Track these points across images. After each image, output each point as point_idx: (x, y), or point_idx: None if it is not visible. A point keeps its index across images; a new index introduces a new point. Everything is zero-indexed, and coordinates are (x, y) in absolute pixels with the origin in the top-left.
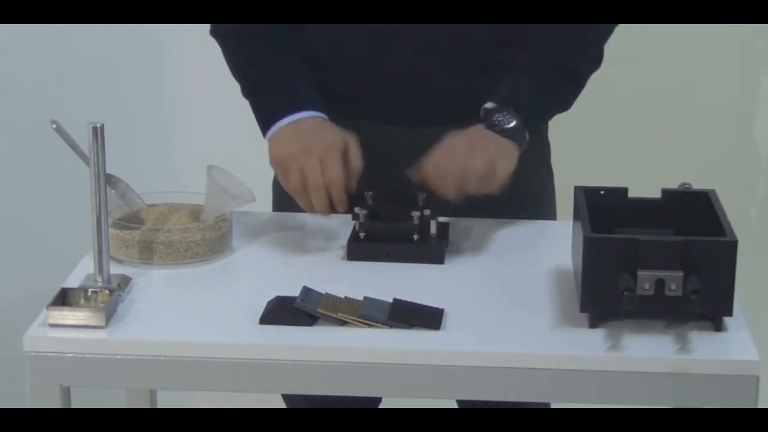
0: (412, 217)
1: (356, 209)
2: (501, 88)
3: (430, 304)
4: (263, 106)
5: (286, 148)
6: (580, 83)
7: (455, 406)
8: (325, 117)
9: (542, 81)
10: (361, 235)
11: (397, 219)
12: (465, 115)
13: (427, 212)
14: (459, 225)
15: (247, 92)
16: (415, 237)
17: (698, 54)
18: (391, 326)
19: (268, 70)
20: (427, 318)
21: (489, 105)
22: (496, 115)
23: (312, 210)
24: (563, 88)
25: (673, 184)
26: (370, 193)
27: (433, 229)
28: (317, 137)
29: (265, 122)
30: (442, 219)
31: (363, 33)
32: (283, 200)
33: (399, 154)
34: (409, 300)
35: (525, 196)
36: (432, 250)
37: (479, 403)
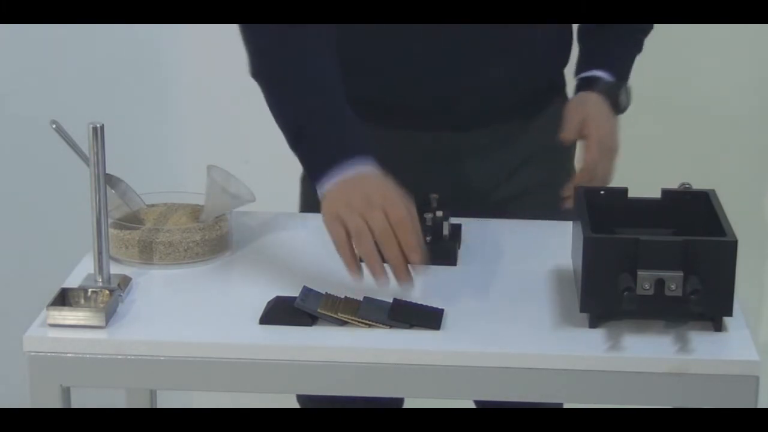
0: (425, 218)
1: None
2: (605, 55)
3: (435, 305)
4: (313, 157)
5: (343, 201)
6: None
7: (458, 406)
8: (375, 164)
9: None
10: None
11: None
12: (483, 119)
13: (439, 213)
14: (472, 226)
15: (293, 143)
16: (428, 238)
17: (698, 53)
18: (391, 326)
19: (314, 117)
20: (427, 318)
21: (604, 76)
22: (622, 97)
23: (379, 271)
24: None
25: (673, 184)
26: None
27: (445, 230)
28: (374, 185)
29: (316, 174)
30: (454, 220)
31: (390, 33)
32: (309, 197)
33: (418, 159)
34: (410, 300)
35: (552, 197)
36: (444, 251)
37: (480, 403)
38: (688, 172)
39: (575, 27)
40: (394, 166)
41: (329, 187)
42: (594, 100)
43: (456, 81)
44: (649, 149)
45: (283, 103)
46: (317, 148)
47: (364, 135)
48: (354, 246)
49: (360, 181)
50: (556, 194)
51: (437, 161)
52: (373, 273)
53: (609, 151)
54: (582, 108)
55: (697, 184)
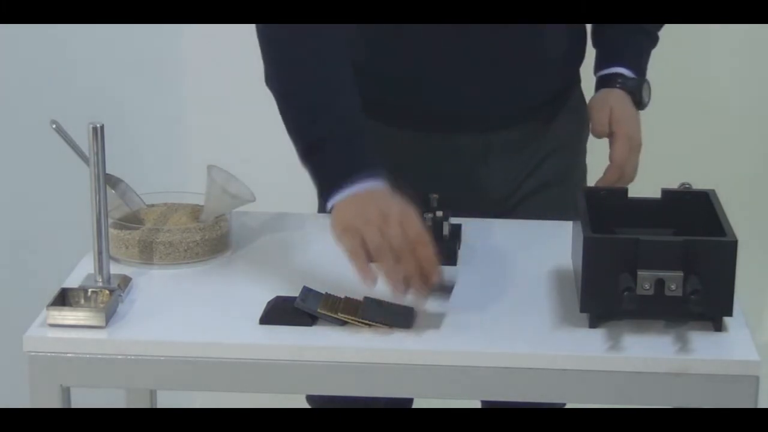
0: (425, 218)
1: None
2: (625, 51)
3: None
4: (325, 171)
5: (358, 214)
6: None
7: (463, 406)
8: (387, 181)
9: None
10: None
11: None
12: (502, 121)
13: (439, 213)
14: (472, 226)
15: (305, 156)
16: None
17: (699, 53)
18: (391, 326)
19: (330, 132)
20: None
21: (626, 72)
22: (644, 93)
23: (400, 285)
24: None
25: (673, 184)
26: None
27: (445, 230)
28: (389, 201)
29: (327, 187)
30: (454, 220)
31: (391, 34)
32: None
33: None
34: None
35: (569, 191)
36: (445, 251)
37: (487, 403)
38: (688, 172)
39: (588, 26)
40: (410, 169)
41: (341, 200)
42: (618, 97)
43: (473, 83)
44: (649, 149)
45: (297, 115)
46: (331, 164)
47: (377, 151)
48: (374, 260)
49: (373, 196)
50: (572, 188)
51: (459, 164)
52: (395, 288)
53: (636, 147)
54: (607, 105)
55: (697, 184)
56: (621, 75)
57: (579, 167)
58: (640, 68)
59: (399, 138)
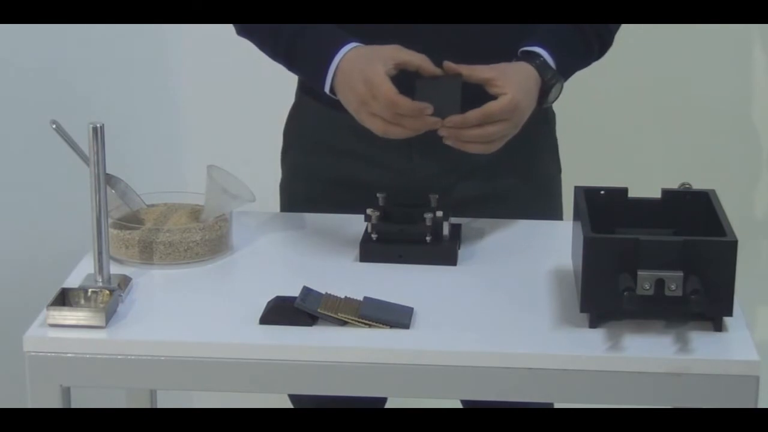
0: (425, 218)
1: (368, 210)
2: (546, 34)
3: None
4: (307, 73)
5: (353, 99)
6: (604, 42)
7: (457, 405)
8: (356, 45)
9: (575, 31)
10: (374, 236)
11: (409, 220)
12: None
13: (439, 213)
14: (472, 226)
15: (290, 63)
16: (428, 238)
17: (698, 53)
18: (392, 326)
19: (299, 33)
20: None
21: (540, 51)
22: (551, 77)
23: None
24: (590, 39)
25: (673, 184)
26: (382, 194)
27: (445, 230)
28: (354, 86)
29: (319, 84)
30: (454, 220)
31: (367, 32)
32: (292, 203)
33: (412, 154)
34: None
35: (533, 187)
36: (445, 251)
37: (481, 403)
38: (688, 172)
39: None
40: (353, 150)
41: (336, 83)
42: (528, 72)
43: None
44: (649, 149)
45: (271, 39)
46: (310, 53)
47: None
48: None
49: (348, 78)
50: (520, 203)
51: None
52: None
53: (514, 122)
54: (506, 66)
55: (697, 184)
56: (542, 57)
57: (529, 187)
58: (563, 66)
59: (341, 119)
